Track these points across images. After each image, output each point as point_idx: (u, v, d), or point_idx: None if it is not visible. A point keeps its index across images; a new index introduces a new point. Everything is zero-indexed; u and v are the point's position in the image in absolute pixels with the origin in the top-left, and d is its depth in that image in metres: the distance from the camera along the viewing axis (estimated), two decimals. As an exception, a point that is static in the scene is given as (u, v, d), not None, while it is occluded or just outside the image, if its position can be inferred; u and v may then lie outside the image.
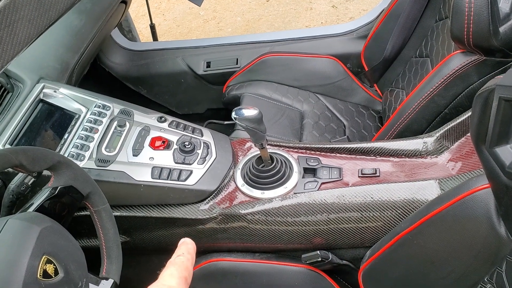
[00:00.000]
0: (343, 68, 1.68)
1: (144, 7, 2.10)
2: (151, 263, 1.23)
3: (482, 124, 0.64)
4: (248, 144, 1.16)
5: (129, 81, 1.93)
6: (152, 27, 2.19)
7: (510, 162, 0.62)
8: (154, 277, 1.32)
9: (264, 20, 3.06)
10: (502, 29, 0.96)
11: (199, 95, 1.93)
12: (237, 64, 1.81)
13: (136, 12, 3.29)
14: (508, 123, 0.62)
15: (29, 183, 0.87)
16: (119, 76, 1.91)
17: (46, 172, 0.83)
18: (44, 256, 0.67)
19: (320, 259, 0.99)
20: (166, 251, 1.15)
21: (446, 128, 1.00)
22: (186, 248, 0.53)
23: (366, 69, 1.65)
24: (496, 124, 0.62)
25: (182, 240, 0.55)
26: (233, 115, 0.95)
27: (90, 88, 1.23)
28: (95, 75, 1.86)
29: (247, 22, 3.08)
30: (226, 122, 1.71)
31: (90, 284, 0.79)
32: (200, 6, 2.05)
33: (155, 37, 2.23)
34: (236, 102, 1.68)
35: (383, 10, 1.55)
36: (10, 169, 0.73)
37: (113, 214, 1.04)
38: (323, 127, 1.55)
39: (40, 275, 0.66)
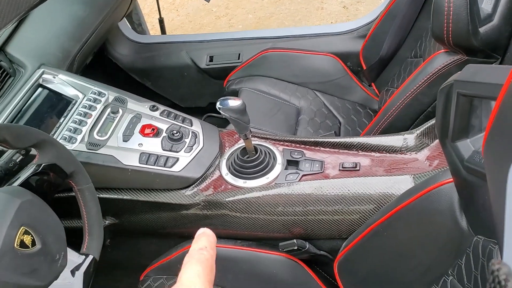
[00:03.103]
0: (342, 66, 1.70)
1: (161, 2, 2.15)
2: (139, 246, 1.27)
3: (445, 118, 0.67)
4: (237, 136, 1.20)
5: (135, 72, 1.98)
6: (161, 21, 2.24)
7: (468, 156, 0.64)
8: (142, 258, 1.35)
9: (275, 18, 3.09)
10: (482, 29, 0.97)
11: (201, 88, 1.97)
12: (239, 59, 1.84)
13: (151, 7, 3.36)
14: (467, 118, 0.64)
15: (17, 160, 0.91)
16: (125, 68, 1.96)
17: (34, 151, 0.88)
18: (22, 228, 0.72)
19: (296, 248, 1.01)
20: (153, 234, 1.20)
21: (426, 126, 1.01)
22: (208, 241, 0.45)
23: (364, 68, 1.66)
24: (456, 118, 0.64)
25: (202, 230, 0.46)
26: (218, 105, 0.98)
27: (97, 78, 1.27)
28: (102, 66, 1.91)
29: (258, 20, 3.11)
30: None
31: (69, 258, 0.83)
32: (208, 2, 2.09)
33: (163, 31, 2.27)
34: (235, 96, 1.71)
35: (382, 10, 1.57)
36: (-1, 147, 0.78)
37: (102, 196, 1.09)
38: (318, 123, 1.57)
39: (17, 245, 0.70)
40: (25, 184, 0.81)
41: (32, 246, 0.72)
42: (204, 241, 0.44)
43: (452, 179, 0.74)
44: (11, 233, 0.69)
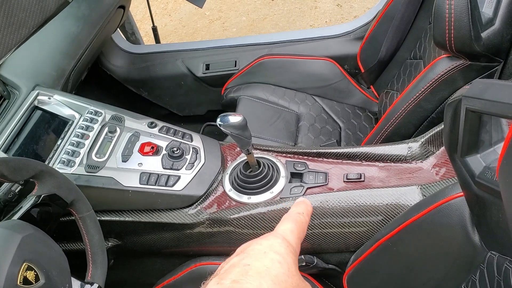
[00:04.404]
0: (339, 70, 1.68)
1: (151, 8, 2.13)
2: (144, 265, 1.25)
3: (453, 133, 0.65)
4: (238, 149, 1.18)
5: (130, 83, 1.96)
6: (154, 29, 2.22)
7: (479, 171, 0.62)
8: (147, 277, 1.32)
9: (269, 20, 3.07)
10: (484, 34, 0.95)
11: (199, 97, 1.95)
12: (235, 66, 1.82)
13: (143, 13, 3.33)
14: (476, 133, 0.62)
15: (17, 191, 0.89)
16: (121, 79, 1.94)
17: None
18: (24, 263, 0.70)
19: (304, 264, 1.00)
20: (158, 253, 1.18)
21: (431, 133, 1.00)
22: (306, 209, 0.51)
23: (362, 70, 1.65)
24: (465, 134, 0.63)
25: (302, 199, 0.54)
26: (218, 121, 0.96)
27: (92, 92, 1.24)
28: (96, 79, 1.89)
29: (252, 22, 3.09)
30: None
31: (74, 289, 0.81)
32: (201, 8, 2.07)
33: (157, 39, 2.25)
34: (233, 104, 1.70)
35: (379, 11, 1.55)
36: (-4, 179, 0.75)
37: (103, 218, 1.07)
38: (319, 129, 1.55)
39: (20, 282, 0.68)
40: (25, 217, 0.79)
41: (35, 282, 0.71)
42: (302, 208, 0.52)
43: (461, 193, 0.72)
44: (13, 271, 0.67)
